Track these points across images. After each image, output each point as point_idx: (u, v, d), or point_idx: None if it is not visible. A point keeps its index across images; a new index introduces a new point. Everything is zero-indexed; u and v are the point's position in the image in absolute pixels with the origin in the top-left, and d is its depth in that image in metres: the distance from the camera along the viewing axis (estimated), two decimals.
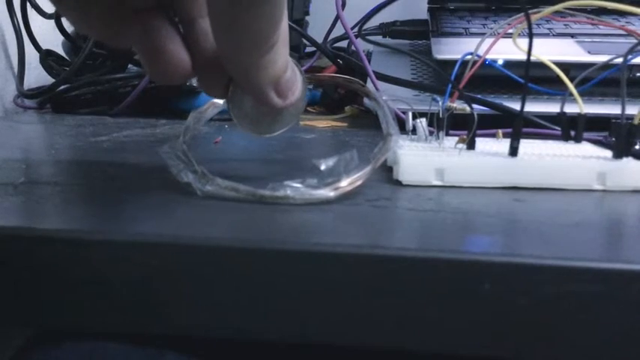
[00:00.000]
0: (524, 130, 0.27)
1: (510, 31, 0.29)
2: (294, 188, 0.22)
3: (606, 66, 0.31)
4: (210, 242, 0.19)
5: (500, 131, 0.31)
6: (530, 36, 0.25)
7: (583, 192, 0.25)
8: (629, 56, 0.27)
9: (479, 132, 0.27)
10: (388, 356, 0.20)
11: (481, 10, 0.56)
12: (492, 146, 0.28)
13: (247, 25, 0.19)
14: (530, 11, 0.25)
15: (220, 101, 0.28)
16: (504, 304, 0.18)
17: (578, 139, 0.30)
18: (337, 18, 0.45)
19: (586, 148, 0.29)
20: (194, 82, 0.46)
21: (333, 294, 0.18)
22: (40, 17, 0.53)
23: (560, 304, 0.18)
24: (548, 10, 0.27)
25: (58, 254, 0.19)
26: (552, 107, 0.32)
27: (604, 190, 0.26)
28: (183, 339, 0.21)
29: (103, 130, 0.40)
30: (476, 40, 0.30)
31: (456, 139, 0.28)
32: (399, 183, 0.26)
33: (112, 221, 0.21)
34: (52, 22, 0.52)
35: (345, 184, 0.23)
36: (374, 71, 0.41)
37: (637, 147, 0.26)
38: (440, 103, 0.29)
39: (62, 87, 0.49)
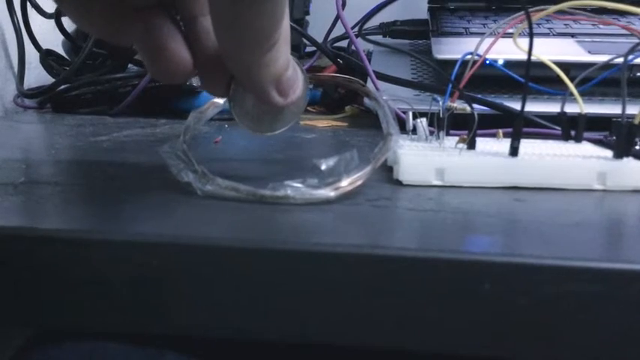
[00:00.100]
0: (525, 129, 0.27)
1: (510, 30, 0.29)
2: (295, 188, 0.22)
3: (607, 66, 0.31)
4: (210, 242, 0.19)
5: (500, 131, 0.31)
6: (531, 36, 0.25)
7: (583, 192, 0.25)
8: (630, 56, 0.27)
9: (479, 132, 0.27)
10: (388, 356, 0.20)
11: (481, 10, 0.55)
12: (493, 146, 0.28)
13: (249, 23, 0.19)
14: (530, 10, 0.25)
15: (220, 101, 0.28)
16: (504, 304, 0.18)
17: (578, 139, 0.30)
18: (337, 18, 0.45)
19: (586, 148, 0.29)
20: (194, 81, 0.46)
21: (333, 294, 0.18)
22: (40, 17, 0.53)
23: (560, 304, 0.18)
24: (548, 9, 0.27)
25: (58, 254, 0.19)
26: (553, 107, 0.32)
27: (604, 190, 0.26)
28: (183, 339, 0.21)
29: (103, 130, 0.40)
30: (476, 40, 0.30)
31: (457, 138, 0.28)
32: (399, 183, 0.26)
33: (112, 221, 0.21)
34: (52, 21, 0.52)
35: (346, 183, 0.23)
36: (374, 71, 0.41)
37: (637, 147, 0.26)
38: (440, 102, 0.29)
39: (62, 87, 0.49)
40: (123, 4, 0.22)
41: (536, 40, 0.25)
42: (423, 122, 0.29)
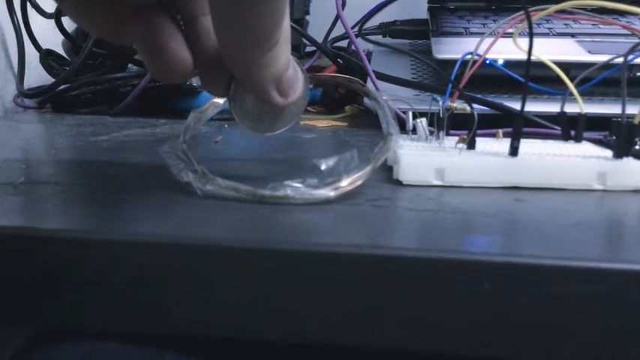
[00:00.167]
0: (525, 129, 0.27)
1: (510, 30, 0.29)
2: (295, 188, 0.22)
3: (607, 66, 0.31)
4: (210, 242, 0.19)
5: (500, 131, 0.31)
6: (531, 35, 0.25)
7: (583, 192, 0.25)
8: (630, 56, 0.27)
9: (479, 132, 0.27)
10: (388, 356, 0.20)
11: (481, 10, 0.55)
12: (492, 146, 0.28)
13: (249, 23, 0.19)
14: (530, 10, 0.25)
15: (220, 101, 0.28)
16: (504, 304, 0.18)
17: (578, 139, 0.30)
18: (337, 17, 0.45)
19: (586, 148, 0.29)
20: (194, 81, 0.46)
21: (333, 294, 0.18)
22: (40, 17, 0.53)
23: (560, 304, 0.18)
24: (548, 9, 0.27)
25: (58, 254, 0.19)
26: (552, 107, 0.32)
27: (604, 190, 0.26)
28: (183, 339, 0.21)
29: (103, 130, 0.40)
30: (476, 40, 0.30)
31: (456, 138, 0.28)
32: (399, 183, 0.26)
33: (112, 221, 0.21)
34: (52, 21, 0.52)
35: (346, 183, 0.23)
36: (374, 71, 0.41)
37: (637, 147, 0.26)
38: (440, 102, 0.29)
39: (62, 86, 0.49)
40: (123, 3, 0.21)
41: (536, 40, 0.25)
42: (422, 122, 0.29)
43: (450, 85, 0.29)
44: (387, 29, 0.53)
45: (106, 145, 0.34)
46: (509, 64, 0.38)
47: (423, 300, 0.18)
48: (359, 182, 0.24)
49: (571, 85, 0.28)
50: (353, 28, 0.47)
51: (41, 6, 0.53)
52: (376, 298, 0.18)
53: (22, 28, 0.53)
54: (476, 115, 0.27)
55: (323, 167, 0.23)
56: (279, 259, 0.18)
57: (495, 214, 0.22)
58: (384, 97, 0.27)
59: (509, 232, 0.21)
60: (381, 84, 0.41)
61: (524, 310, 0.18)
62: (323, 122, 0.44)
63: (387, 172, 0.27)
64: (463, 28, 0.49)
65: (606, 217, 0.23)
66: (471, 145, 0.27)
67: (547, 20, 0.48)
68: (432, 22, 0.52)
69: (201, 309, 0.19)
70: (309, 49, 0.58)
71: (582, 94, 0.28)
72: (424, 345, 0.19)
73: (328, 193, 0.23)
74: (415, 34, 0.54)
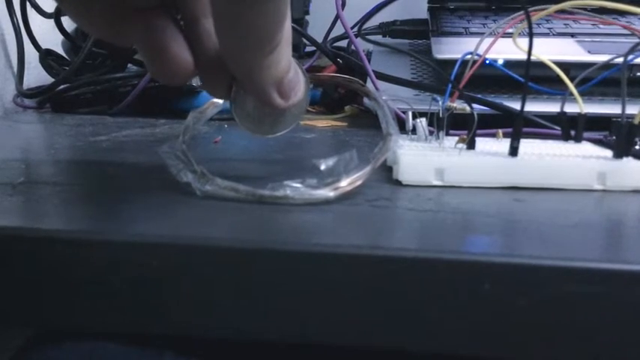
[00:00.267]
0: (525, 129, 0.27)
1: (510, 30, 0.29)
2: (294, 188, 0.22)
3: (606, 65, 0.31)
4: (209, 242, 0.19)
5: (500, 131, 0.31)
6: (531, 35, 0.25)
7: (583, 192, 0.25)
8: (630, 56, 0.27)
9: (479, 132, 0.27)
10: (388, 356, 0.20)
11: (481, 10, 0.55)
12: (492, 146, 0.28)
13: (251, 24, 0.19)
14: (530, 10, 0.25)
15: (220, 101, 0.28)
16: (504, 304, 0.18)
17: (578, 139, 0.30)
18: (337, 17, 0.45)
19: (586, 148, 0.29)
20: (194, 81, 0.46)
21: (333, 294, 0.18)
22: (39, 16, 0.53)
23: (560, 305, 0.18)
24: (548, 9, 0.27)
25: (58, 254, 0.19)
26: (552, 107, 0.32)
27: (604, 190, 0.26)
28: (183, 339, 0.21)
29: (103, 130, 0.40)
30: (476, 40, 0.30)
31: (456, 138, 0.28)
32: (398, 183, 0.26)
33: (111, 221, 0.21)
34: (51, 21, 0.52)
35: (345, 184, 0.23)
36: (374, 71, 0.41)
37: (637, 147, 0.26)
38: (440, 102, 0.29)
39: (62, 86, 0.49)
40: (124, 4, 0.21)
41: (536, 40, 0.25)
42: (422, 122, 0.29)
43: (450, 85, 0.29)
44: (386, 29, 0.53)
45: (106, 145, 0.34)
46: (509, 64, 0.38)
47: (423, 300, 0.18)
48: (358, 182, 0.24)
49: (571, 85, 0.28)
50: (353, 28, 0.47)
51: (41, 6, 0.53)
52: (376, 298, 0.18)
53: (22, 28, 0.53)
54: (476, 115, 0.27)
55: (322, 167, 0.23)
56: (278, 259, 0.18)
57: (495, 215, 0.22)
58: (384, 97, 0.27)
59: (509, 232, 0.21)
60: (380, 84, 0.41)
61: (525, 310, 0.18)
62: (323, 122, 0.44)
63: (386, 173, 0.27)
64: (463, 28, 0.49)
65: (606, 218, 0.23)
66: (471, 145, 0.27)
67: (547, 20, 0.48)
68: (432, 22, 0.52)
69: (201, 309, 0.19)
70: (308, 49, 0.58)
71: (582, 94, 0.28)
72: (424, 345, 0.19)
73: (328, 193, 0.23)
74: (415, 34, 0.54)
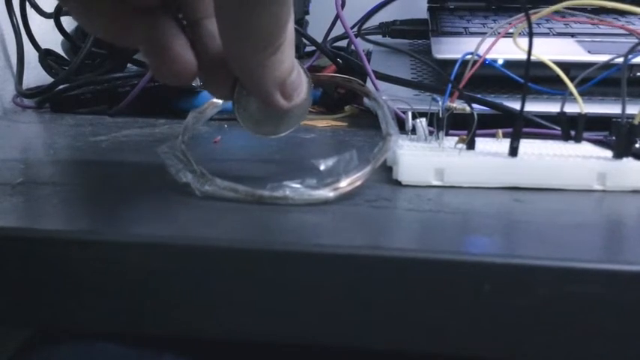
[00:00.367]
0: (525, 129, 0.27)
1: (510, 30, 0.29)
2: (294, 188, 0.22)
3: (606, 65, 0.31)
4: (209, 243, 0.19)
5: (500, 131, 0.31)
6: (531, 35, 0.25)
7: (583, 192, 0.25)
8: (630, 56, 0.27)
9: (479, 132, 0.27)
10: (388, 356, 0.20)
11: (481, 10, 0.56)
12: (492, 146, 0.28)
13: (254, 25, 0.19)
14: (530, 11, 0.25)
15: (219, 101, 0.28)
16: (504, 304, 0.18)
17: (578, 139, 0.30)
18: (337, 17, 0.45)
19: (586, 148, 0.29)
20: (194, 81, 0.45)
21: (333, 294, 0.18)
22: (39, 16, 0.53)
23: (560, 305, 0.18)
24: (548, 9, 0.27)
25: (57, 255, 0.19)
26: (552, 107, 0.32)
27: (604, 191, 0.25)
28: (183, 339, 0.21)
29: (102, 130, 0.40)
30: (476, 40, 0.30)
31: (456, 139, 0.28)
32: (398, 183, 0.26)
33: (110, 222, 0.21)
34: (51, 21, 0.52)
35: (345, 184, 0.23)
36: (374, 71, 0.41)
37: (637, 147, 0.26)
38: (440, 102, 0.29)
39: (61, 86, 0.49)
40: (126, 4, 0.21)
41: (536, 40, 0.25)
42: (422, 122, 0.29)
43: (450, 85, 0.29)
44: (386, 29, 0.53)
45: (105, 145, 0.34)
46: (509, 64, 0.38)
47: (423, 300, 0.18)
48: (358, 183, 0.23)
49: (571, 85, 0.28)
50: (352, 27, 0.47)
51: (40, 6, 0.53)
52: (376, 298, 0.18)
53: (21, 28, 0.53)
54: (475, 115, 0.27)
55: (322, 168, 0.23)
56: (278, 259, 0.18)
57: (495, 215, 0.22)
58: (384, 97, 0.27)
59: (508, 232, 0.21)
60: (380, 84, 0.41)
61: (525, 310, 0.18)
62: (322, 122, 0.44)
63: (386, 173, 0.27)
64: (463, 28, 0.49)
65: (606, 218, 0.23)
66: (471, 146, 0.27)
67: (547, 20, 0.48)
68: (432, 21, 0.52)
69: (201, 309, 0.19)
70: (308, 49, 0.58)
71: (582, 94, 0.28)
72: (424, 345, 0.19)
73: (327, 193, 0.23)
74: (415, 34, 0.54)
